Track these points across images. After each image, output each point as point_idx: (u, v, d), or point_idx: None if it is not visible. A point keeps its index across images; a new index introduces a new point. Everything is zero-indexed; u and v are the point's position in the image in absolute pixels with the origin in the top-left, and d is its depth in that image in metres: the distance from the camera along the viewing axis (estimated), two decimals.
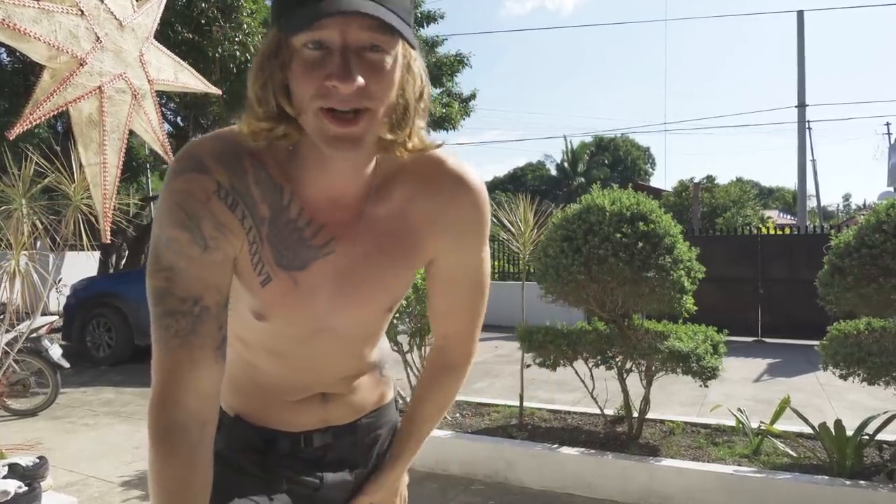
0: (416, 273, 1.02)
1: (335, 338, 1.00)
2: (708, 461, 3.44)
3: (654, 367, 3.64)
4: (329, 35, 0.74)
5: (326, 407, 1.06)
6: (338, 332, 0.99)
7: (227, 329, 0.88)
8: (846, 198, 52.05)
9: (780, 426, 3.71)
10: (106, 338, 7.63)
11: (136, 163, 13.89)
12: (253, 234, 0.86)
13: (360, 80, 0.74)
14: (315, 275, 0.91)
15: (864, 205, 32.88)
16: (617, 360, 3.78)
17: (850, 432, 3.26)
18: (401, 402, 1.27)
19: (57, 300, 8.24)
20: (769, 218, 22.53)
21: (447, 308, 1.07)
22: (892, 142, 21.53)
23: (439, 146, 0.91)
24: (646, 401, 3.75)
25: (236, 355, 1.04)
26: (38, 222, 3.51)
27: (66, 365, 5.41)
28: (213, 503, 0.88)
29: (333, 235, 0.91)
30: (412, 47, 0.80)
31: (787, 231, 11.41)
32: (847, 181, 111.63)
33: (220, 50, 8.60)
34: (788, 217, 28.15)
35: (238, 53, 8.84)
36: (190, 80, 3.09)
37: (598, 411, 4.01)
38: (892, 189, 13.31)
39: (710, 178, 27.14)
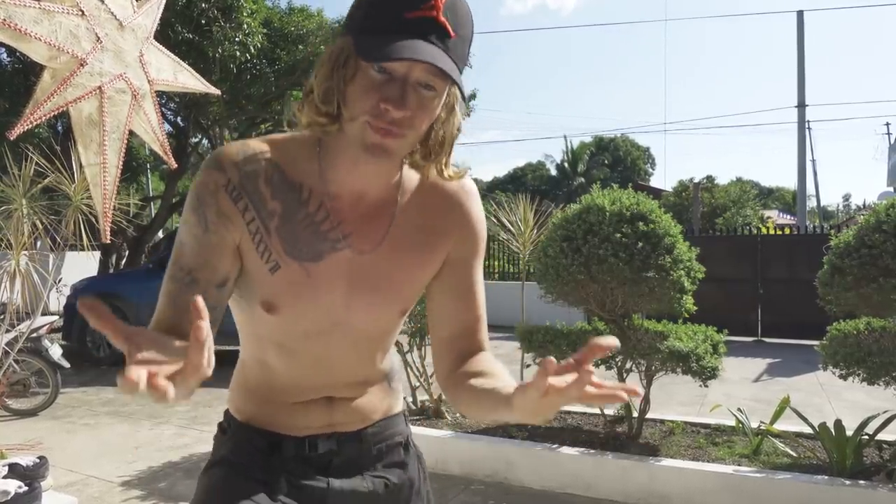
0: (427, 275, 1.05)
1: (347, 337, 1.02)
2: (708, 461, 3.44)
3: (654, 367, 3.65)
4: (397, 68, 0.85)
5: (332, 411, 1.07)
6: (351, 331, 1.02)
7: (216, 305, 0.95)
8: (846, 198, 52.01)
9: (779, 426, 3.72)
10: (106, 338, 7.62)
11: (136, 163, 13.90)
12: (255, 224, 0.95)
13: (409, 110, 0.85)
14: (330, 268, 0.97)
15: (864, 205, 32.85)
16: (617, 360, 3.78)
17: (849, 432, 3.26)
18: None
19: (57, 300, 8.24)
20: (769, 218, 22.50)
21: (452, 305, 1.07)
22: (892, 142, 21.53)
23: (464, 172, 1.04)
24: (646, 401, 3.76)
25: (248, 355, 1.08)
26: (38, 222, 3.51)
27: (67, 365, 5.41)
28: None
29: (351, 231, 0.98)
30: (462, 96, 0.93)
31: (787, 231, 11.41)
32: (847, 181, 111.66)
33: (220, 50, 8.60)
34: (788, 217, 28.11)
35: (238, 53, 8.85)
36: (189, 81, 3.08)
37: (598, 411, 4.01)
38: (891, 189, 13.31)
39: (710, 178, 27.15)
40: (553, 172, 39.76)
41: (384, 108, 0.84)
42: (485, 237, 1.09)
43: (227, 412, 1.12)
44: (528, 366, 4.09)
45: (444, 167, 0.99)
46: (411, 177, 1.03)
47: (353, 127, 0.88)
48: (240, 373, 1.12)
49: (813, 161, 29.40)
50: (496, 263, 12.50)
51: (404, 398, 4.13)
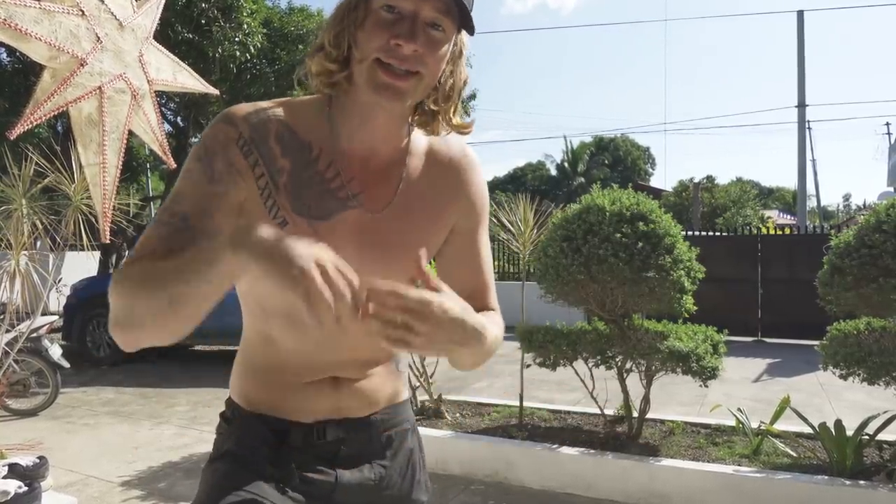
0: (436, 240, 1.07)
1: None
2: (708, 461, 3.44)
3: (654, 367, 3.65)
4: (406, 4, 0.88)
5: (339, 393, 1.05)
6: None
7: None
8: (846, 198, 51.97)
9: (779, 426, 3.72)
10: (106, 338, 7.62)
11: (135, 163, 13.92)
12: (264, 180, 0.96)
13: (419, 46, 0.88)
14: (339, 227, 0.97)
15: (864, 205, 32.82)
16: (617, 360, 3.78)
17: (849, 432, 3.26)
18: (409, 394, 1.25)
19: (57, 300, 8.23)
20: (769, 218, 22.52)
21: (460, 272, 1.09)
22: (892, 142, 21.52)
23: (471, 124, 1.07)
24: (646, 401, 3.76)
25: (253, 331, 1.07)
26: (38, 222, 3.51)
27: (66, 365, 5.41)
28: (225, 502, 0.91)
29: (361, 190, 0.99)
30: (470, 33, 0.95)
31: (787, 231, 11.41)
32: (847, 181, 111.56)
33: (220, 50, 8.61)
34: (788, 217, 28.12)
35: (238, 53, 8.86)
36: (188, 81, 3.08)
37: (598, 411, 4.01)
38: (891, 189, 13.32)
39: (710, 178, 27.22)
40: (553, 172, 39.76)
41: (395, 43, 0.87)
42: (487, 206, 1.13)
43: (229, 401, 1.10)
44: (528, 366, 4.09)
45: (451, 117, 1.02)
46: (419, 143, 1.05)
47: (363, 69, 0.91)
48: (244, 353, 1.10)
49: (813, 161, 29.35)
50: (496, 263, 12.50)
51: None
